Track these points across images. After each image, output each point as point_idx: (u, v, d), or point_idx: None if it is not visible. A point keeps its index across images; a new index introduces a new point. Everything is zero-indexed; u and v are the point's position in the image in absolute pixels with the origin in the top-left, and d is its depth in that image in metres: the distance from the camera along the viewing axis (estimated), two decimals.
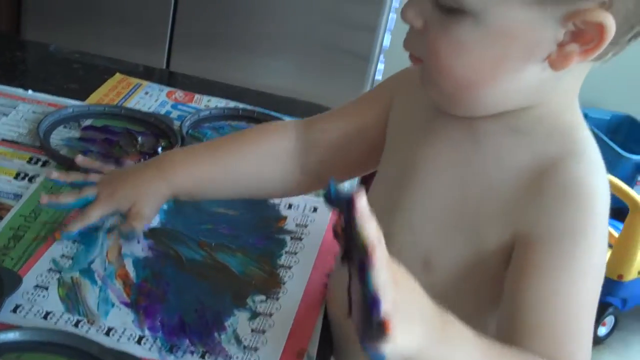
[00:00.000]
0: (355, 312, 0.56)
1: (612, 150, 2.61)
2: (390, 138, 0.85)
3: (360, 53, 2.17)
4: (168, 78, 1.50)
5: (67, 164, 0.98)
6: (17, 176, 0.95)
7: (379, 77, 2.36)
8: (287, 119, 1.18)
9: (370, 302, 0.53)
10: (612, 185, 2.09)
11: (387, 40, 2.29)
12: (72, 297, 0.78)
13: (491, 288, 0.74)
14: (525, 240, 0.71)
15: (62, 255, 0.83)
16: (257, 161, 0.91)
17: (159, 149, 1.05)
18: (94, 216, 0.87)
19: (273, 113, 1.20)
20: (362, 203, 0.53)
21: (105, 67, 1.28)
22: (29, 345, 0.72)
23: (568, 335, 0.70)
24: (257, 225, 0.94)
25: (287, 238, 0.93)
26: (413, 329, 0.57)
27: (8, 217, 0.88)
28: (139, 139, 1.07)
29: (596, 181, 0.72)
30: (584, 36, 0.65)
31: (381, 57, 2.32)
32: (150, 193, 0.87)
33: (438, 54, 0.68)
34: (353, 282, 0.56)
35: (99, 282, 0.81)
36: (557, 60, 0.66)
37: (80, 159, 0.95)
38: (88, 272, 0.82)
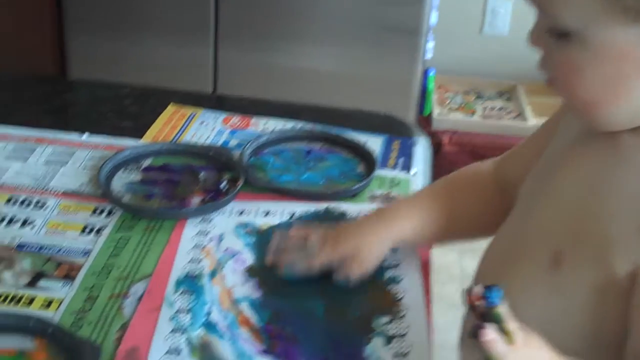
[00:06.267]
0: None
1: None
2: (544, 155, 0.83)
3: (409, 29, 2.12)
4: (217, 102, 1.48)
5: (132, 212, 0.96)
6: (83, 230, 0.93)
7: (429, 55, 2.30)
8: (348, 132, 1.14)
9: None
10: None
11: (434, 18, 2.24)
12: (209, 358, 0.77)
13: (621, 309, 0.68)
14: None
15: (178, 311, 0.82)
16: (469, 202, 0.94)
17: (222, 185, 1.02)
18: (319, 262, 0.87)
19: (332, 129, 1.16)
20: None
21: (156, 99, 1.26)
22: None
23: None
24: None
25: None
26: None
27: (80, 277, 0.85)
28: (201, 175, 1.04)
29: None
30: None
31: (430, 34, 2.27)
32: (374, 242, 0.88)
33: (558, 77, 0.70)
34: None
35: (227, 334, 0.79)
36: None
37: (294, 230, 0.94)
38: (211, 327, 0.80)
